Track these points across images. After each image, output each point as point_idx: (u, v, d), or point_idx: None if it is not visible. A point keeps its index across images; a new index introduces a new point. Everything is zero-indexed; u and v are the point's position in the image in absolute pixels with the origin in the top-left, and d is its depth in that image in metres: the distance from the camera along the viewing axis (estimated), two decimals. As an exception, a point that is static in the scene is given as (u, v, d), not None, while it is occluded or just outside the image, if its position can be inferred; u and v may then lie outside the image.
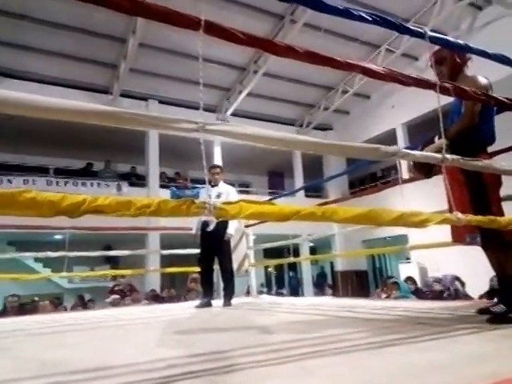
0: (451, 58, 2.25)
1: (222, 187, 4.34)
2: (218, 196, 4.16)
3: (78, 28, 8.90)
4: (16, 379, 1.29)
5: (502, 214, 2.08)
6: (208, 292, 4.22)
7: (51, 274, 6.85)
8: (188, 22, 1.21)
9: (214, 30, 1.24)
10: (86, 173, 11.44)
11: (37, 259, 10.25)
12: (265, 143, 1.50)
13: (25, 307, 6.39)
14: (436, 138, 2.08)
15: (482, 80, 2.18)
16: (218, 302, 4.18)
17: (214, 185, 4.31)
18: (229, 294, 4.14)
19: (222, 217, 1.16)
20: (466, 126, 2.07)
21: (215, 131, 1.24)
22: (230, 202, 1.16)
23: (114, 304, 6.73)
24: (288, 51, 1.34)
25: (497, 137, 2.20)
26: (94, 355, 1.68)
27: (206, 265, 4.22)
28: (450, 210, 1.88)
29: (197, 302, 4.27)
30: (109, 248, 10.46)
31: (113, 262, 11.33)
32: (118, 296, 7.19)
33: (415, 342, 1.57)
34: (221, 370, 1.26)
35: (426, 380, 1.05)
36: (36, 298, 7.05)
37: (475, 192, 2.05)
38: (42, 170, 10.84)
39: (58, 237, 10.11)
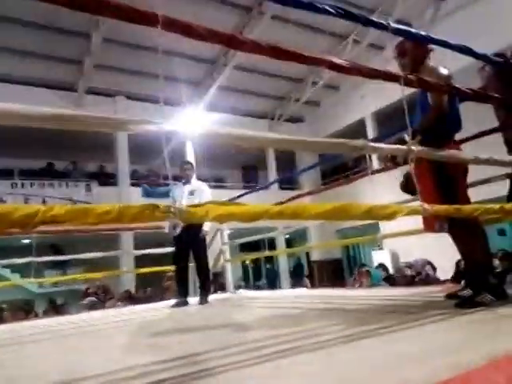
0: (413, 50, 2.27)
1: (195, 184, 4.25)
2: (192, 193, 4.09)
3: (40, 24, 8.56)
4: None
5: (468, 201, 2.13)
6: (183, 291, 4.14)
7: (19, 280, 6.60)
8: (146, 18, 1.16)
9: (174, 25, 1.20)
10: (52, 173, 11.06)
11: (4, 265, 9.87)
12: (232, 141, 1.47)
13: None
14: (406, 137, 2.02)
15: (444, 71, 2.20)
16: (194, 300, 4.14)
17: (185, 182, 4.23)
18: (205, 291, 4.09)
19: (189, 220, 1.13)
20: (436, 117, 2.08)
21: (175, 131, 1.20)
22: (196, 205, 1.13)
23: (91, 306, 6.57)
24: (252, 47, 1.31)
25: (464, 125, 2.25)
26: (60, 366, 1.61)
27: (181, 263, 4.14)
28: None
29: (173, 301, 4.21)
30: (56, 249, 9.98)
31: (61, 265, 10.23)
32: (94, 298, 7.02)
33: (386, 333, 1.59)
34: (194, 376, 1.23)
35: (404, 371, 1.06)
36: (4, 306, 6.79)
37: (442, 181, 2.10)
38: (5, 173, 10.41)
39: (25, 241, 9.76)
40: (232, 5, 9.18)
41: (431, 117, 2.09)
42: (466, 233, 2.09)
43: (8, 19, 8.25)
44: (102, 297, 7.31)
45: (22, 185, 9.57)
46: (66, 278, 6.07)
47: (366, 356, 1.28)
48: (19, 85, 9.50)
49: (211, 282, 4.24)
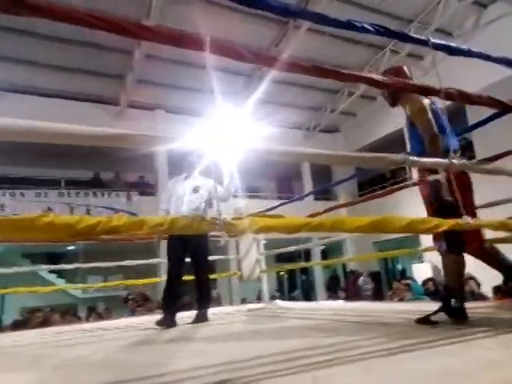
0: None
1: (200, 179, 3.60)
2: (196, 190, 3.51)
3: (84, 42, 9.06)
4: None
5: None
6: (173, 307, 3.34)
7: (66, 285, 6.94)
8: (195, 44, 1.24)
9: (220, 48, 1.28)
10: (96, 183, 11.60)
11: (51, 270, 10.40)
12: (270, 156, 1.52)
13: (44, 319, 6.48)
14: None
15: (425, 100, 2.23)
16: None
17: (187, 176, 3.63)
18: (205, 306, 3.47)
19: (232, 232, 1.19)
20: (435, 140, 2.10)
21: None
22: (239, 218, 1.19)
23: (132, 311, 6.82)
24: (294, 66, 1.36)
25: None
26: (107, 368, 1.71)
27: (177, 272, 3.42)
28: None
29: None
30: (52, 260, 10.02)
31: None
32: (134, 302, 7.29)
33: (429, 347, 1.57)
34: (236, 382, 1.28)
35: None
36: (49, 309, 7.15)
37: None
38: (53, 183, 11.02)
39: (71, 248, 10.24)
40: (269, 19, 9.34)
41: (435, 147, 2.07)
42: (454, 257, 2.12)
43: (54, 38, 8.79)
44: (141, 304, 7.53)
45: (68, 194, 10.08)
46: (110, 284, 6.31)
47: (408, 369, 1.28)
48: (64, 99, 10.09)
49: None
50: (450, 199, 1.95)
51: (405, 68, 2.39)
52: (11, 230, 0.86)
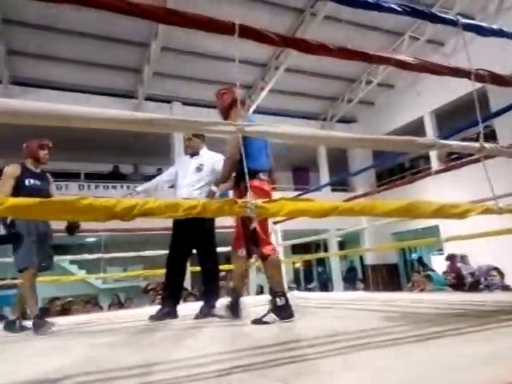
0: (220, 100, 2.74)
1: (205, 157, 3.31)
2: (199, 169, 3.23)
3: (101, 36, 9.12)
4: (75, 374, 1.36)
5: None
6: (175, 298, 3.17)
7: (88, 275, 7.08)
8: (223, 28, 1.24)
9: (248, 33, 1.27)
10: (115, 176, 11.76)
11: (72, 261, 10.61)
12: (297, 141, 1.51)
13: (64, 307, 6.65)
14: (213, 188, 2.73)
15: (245, 115, 2.76)
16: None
17: (192, 154, 3.37)
18: (213, 299, 3.09)
19: (263, 215, 1.19)
20: (230, 165, 2.47)
21: (252, 132, 1.26)
22: (270, 201, 1.18)
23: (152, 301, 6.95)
24: (321, 49, 1.35)
25: None
26: (138, 353, 1.74)
27: (179, 260, 3.24)
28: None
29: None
30: (73, 252, 10.01)
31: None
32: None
33: (460, 334, 1.55)
34: (266, 365, 1.29)
35: (478, 371, 1.05)
36: (70, 299, 7.33)
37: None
38: (73, 176, 11.21)
39: (89, 239, 10.43)
40: (284, 7, 9.24)
41: (225, 165, 2.52)
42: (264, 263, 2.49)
43: (71, 32, 8.87)
44: (161, 293, 7.63)
45: (88, 186, 10.25)
46: (131, 274, 6.41)
47: (440, 354, 1.27)
48: (83, 93, 10.19)
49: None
50: None
51: (235, 90, 2.67)
52: (53, 211, 0.88)
